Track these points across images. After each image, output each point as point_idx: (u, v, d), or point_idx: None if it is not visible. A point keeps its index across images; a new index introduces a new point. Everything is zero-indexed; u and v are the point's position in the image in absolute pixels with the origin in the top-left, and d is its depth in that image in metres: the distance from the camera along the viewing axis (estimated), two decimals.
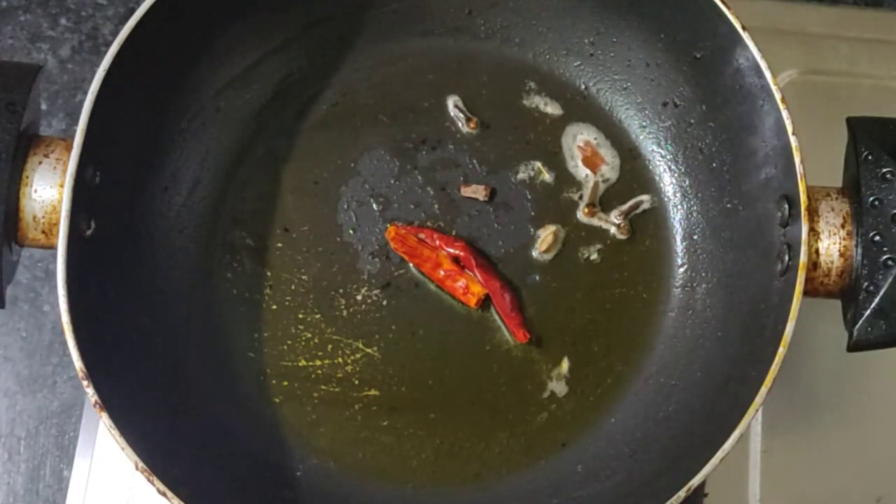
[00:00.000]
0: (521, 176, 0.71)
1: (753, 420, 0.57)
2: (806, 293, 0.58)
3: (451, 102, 0.72)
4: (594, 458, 0.66)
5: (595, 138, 0.72)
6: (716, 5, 0.62)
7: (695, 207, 0.70)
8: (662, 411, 0.66)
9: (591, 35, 0.71)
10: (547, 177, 0.71)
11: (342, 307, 0.68)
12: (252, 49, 0.70)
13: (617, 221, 0.70)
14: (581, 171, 0.71)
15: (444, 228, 0.70)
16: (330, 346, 0.68)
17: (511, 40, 0.73)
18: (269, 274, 0.69)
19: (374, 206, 0.70)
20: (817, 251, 0.60)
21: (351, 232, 0.70)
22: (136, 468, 0.55)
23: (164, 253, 0.67)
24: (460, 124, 0.71)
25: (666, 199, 0.71)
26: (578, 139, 0.72)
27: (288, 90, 0.72)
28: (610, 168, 0.71)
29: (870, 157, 0.59)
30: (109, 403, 0.56)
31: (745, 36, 0.61)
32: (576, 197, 0.71)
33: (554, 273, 0.69)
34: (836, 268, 0.60)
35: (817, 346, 0.77)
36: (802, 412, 0.80)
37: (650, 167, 0.71)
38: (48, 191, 0.60)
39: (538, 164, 0.71)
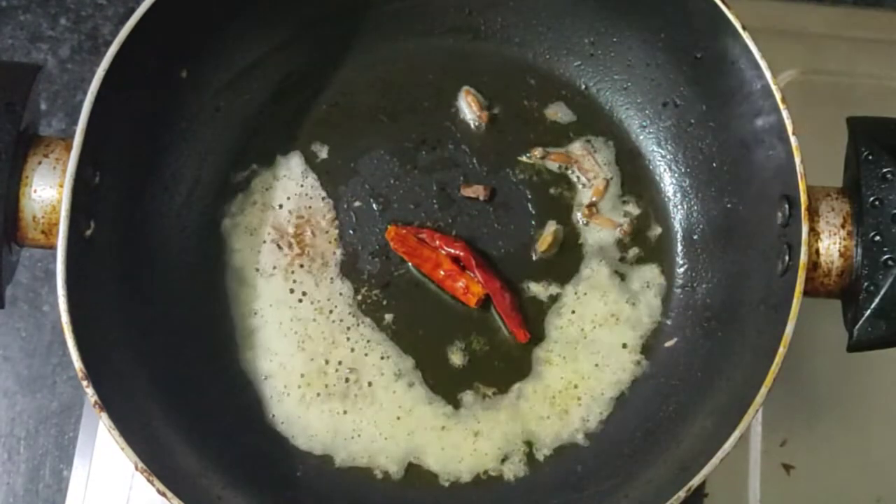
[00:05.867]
0: (521, 176, 0.71)
1: (753, 420, 0.57)
2: (806, 293, 0.58)
3: (462, 94, 0.72)
4: (594, 458, 0.66)
5: (594, 143, 0.72)
6: (716, 5, 0.62)
7: (695, 207, 0.70)
8: (662, 411, 0.66)
9: (591, 35, 0.71)
10: (547, 177, 0.71)
11: (343, 307, 0.68)
12: (252, 49, 0.70)
13: (618, 221, 0.70)
14: (580, 172, 0.71)
15: (444, 228, 0.70)
16: (331, 347, 0.68)
17: (511, 40, 0.73)
18: (270, 274, 0.69)
19: (374, 206, 0.70)
20: (817, 251, 0.60)
21: (351, 232, 0.70)
22: (136, 468, 0.55)
23: (164, 253, 0.67)
24: (471, 117, 0.71)
25: (666, 199, 0.71)
26: (577, 144, 0.72)
27: (288, 90, 0.72)
28: (607, 171, 0.71)
29: (870, 157, 0.59)
30: (109, 403, 0.56)
31: (745, 36, 0.61)
32: (576, 197, 0.71)
33: (554, 273, 0.69)
34: (836, 268, 0.60)
35: (817, 346, 0.77)
36: (802, 412, 0.80)
37: (650, 167, 0.71)
38: (48, 191, 0.59)
39: (538, 164, 0.71)
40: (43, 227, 0.60)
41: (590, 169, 0.71)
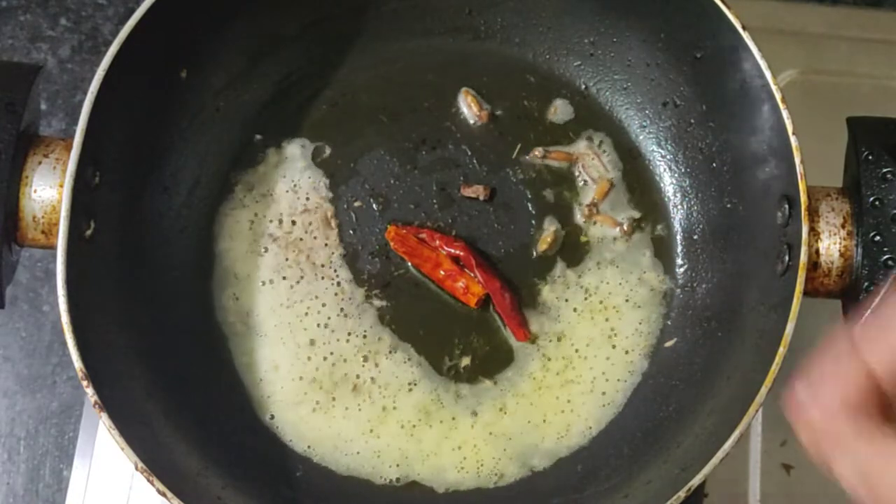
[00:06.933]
0: (521, 176, 0.71)
1: (753, 420, 0.57)
2: (806, 293, 0.58)
3: (462, 94, 0.72)
4: (594, 458, 0.66)
5: (594, 142, 0.72)
6: (716, 5, 0.62)
7: (695, 207, 0.70)
8: (662, 411, 0.66)
9: (591, 35, 0.71)
10: (547, 177, 0.71)
11: (343, 308, 0.68)
12: (252, 49, 0.70)
13: (618, 221, 0.70)
14: (581, 172, 0.71)
15: (444, 228, 0.70)
16: (331, 347, 0.68)
17: (511, 40, 0.73)
18: (268, 275, 0.69)
19: (374, 206, 0.70)
20: (817, 251, 0.60)
21: (351, 232, 0.70)
22: (136, 468, 0.55)
23: (164, 253, 0.67)
24: (471, 117, 0.71)
25: (666, 199, 0.71)
26: (578, 144, 0.72)
27: (288, 90, 0.72)
28: (609, 171, 0.71)
29: (870, 157, 0.59)
30: (109, 403, 0.56)
31: (745, 36, 0.61)
32: (576, 197, 0.71)
33: (554, 273, 0.69)
34: (836, 268, 0.60)
35: (817, 346, 0.77)
36: None
37: (650, 167, 0.71)
38: (48, 191, 0.59)
39: (538, 164, 0.71)
40: (43, 227, 0.60)
41: (591, 169, 0.71)
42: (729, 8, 0.62)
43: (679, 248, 0.70)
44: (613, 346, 0.68)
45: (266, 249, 0.69)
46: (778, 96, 0.60)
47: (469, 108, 0.72)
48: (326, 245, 0.69)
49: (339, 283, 0.69)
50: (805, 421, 0.43)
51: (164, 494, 0.55)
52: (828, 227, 0.60)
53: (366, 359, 0.67)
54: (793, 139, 0.59)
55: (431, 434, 0.66)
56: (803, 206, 0.58)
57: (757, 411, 0.56)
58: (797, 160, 0.59)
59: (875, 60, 0.88)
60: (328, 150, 0.71)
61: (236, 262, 0.69)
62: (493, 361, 0.68)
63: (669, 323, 0.69)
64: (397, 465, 0.66)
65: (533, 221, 0.70)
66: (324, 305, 0.68)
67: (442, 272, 0.68)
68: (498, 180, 0.71)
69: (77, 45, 0.89)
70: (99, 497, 0.75)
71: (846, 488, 0.44)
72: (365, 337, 0.68)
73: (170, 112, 0.67)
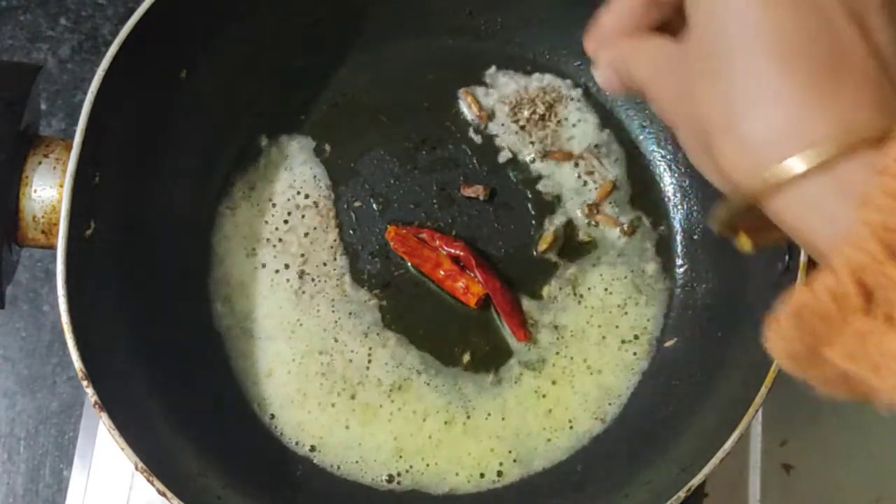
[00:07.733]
0: (521, 176, 0.71)
1: (753, 420, 0.57)
2: None
3: (462, 94, 0.72)
4: (594, 458, 0.66)
5: (595, 143, 0.72)
6: None
7: (695, 207, 0.70)
8: (662, 411, 0.66)
9: None
10: (548, 176, 0.71)
11: (343, 307, 0.68)
12: (251, 49, 0.70)
13: (619, 221, 0.70)
14: (582, 172, 0.71)
15: (444, 228, 0.70)
16: (331, 347, 0.68)
17: (511, 40, 0.73)
18: (268, 275, 0.69)
19: (374, 206, 0.70)
20: None
21: (351, 232, 0.70)
22: (136, 468, 0.55)
23: (164, 253, 0.67)
24: (471, 117, 0.71)
25: (666, 199, 0.71)
26: (578, 143, 0.72)
27: (288, 90, 0.72)
28: (609, 171, 0.71)
29: None
30: (109, 404, 0.56)
31: None
32: (576, 197, 0.71)
33: (554, 273, 0.69)
34: None
35: None
36: (802, 412, 0.80)
37: (650, 167, 0.71)
38: (48, 191, 0.59)
39: (539, 164, 0.71)
40: (43, 227, 0.60)
41: (592, 169, 0.71)
42: None
43: (679, 248, 0.70)
44: (613, 346, 0.68)
45: (266, 249, 0.69)
46: None
47: (469, 107, 0.72)
48: (326, 245, 0.69)
49: (338, 283, 0.69)
50: (591, 40, 0.47)
51: (164, 494, 0.55)
52: None
53: (365, 359, 0.67)
54: None
55: (431, 434, 0.66)
56: None
57: (757, 411, 0.56)
58: None
59: None
60: (328, 150, 0.71)
61: (236, 262, 0.69)
62: (493, 361, 0.68)
63: (669, 323, 0.69)
64: (396, 465, 0.66)
65: (533, 221, 0.70)
66: (323, 305, 0.68)
67: (442, 272, 0.68)
68: (498, 180, 0.71)
69: (77, 45, 0.89)
70: (99, 497, 0.75)
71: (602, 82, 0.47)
72: (365, 337, 0.68)
73: (170, 112, 0.67)
